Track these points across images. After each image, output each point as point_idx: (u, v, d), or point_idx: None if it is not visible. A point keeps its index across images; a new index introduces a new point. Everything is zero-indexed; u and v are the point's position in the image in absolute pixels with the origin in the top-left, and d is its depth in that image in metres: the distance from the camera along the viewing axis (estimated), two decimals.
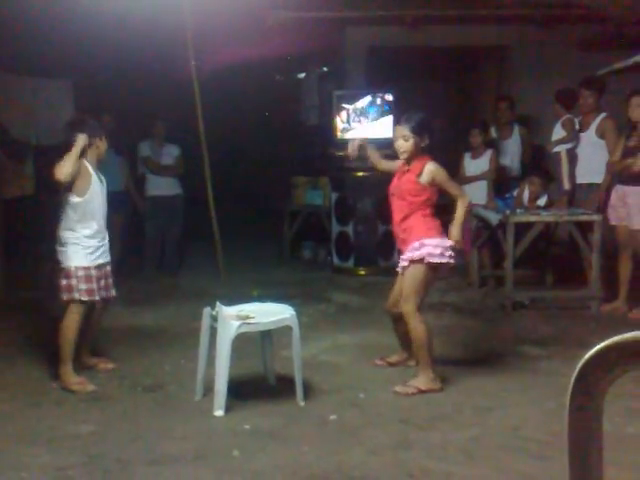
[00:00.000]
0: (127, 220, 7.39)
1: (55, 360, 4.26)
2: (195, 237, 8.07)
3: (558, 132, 6.48)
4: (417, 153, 4.13)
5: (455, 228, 4.11)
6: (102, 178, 4.37)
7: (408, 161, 4.18)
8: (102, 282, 4.29)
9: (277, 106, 10.40)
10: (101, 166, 4.46)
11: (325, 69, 9.83)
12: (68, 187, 4.13)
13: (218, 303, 3.90)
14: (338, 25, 8.30)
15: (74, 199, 4.16)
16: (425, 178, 4.11)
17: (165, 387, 4.20)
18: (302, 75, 10.36)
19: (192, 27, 6.69)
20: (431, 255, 4.02)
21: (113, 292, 4.43)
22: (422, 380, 4.05)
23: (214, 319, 3.87)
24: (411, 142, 4.10)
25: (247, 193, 10.41)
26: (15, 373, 4.43)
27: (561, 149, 6.41)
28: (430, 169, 4.10)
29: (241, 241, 8.82)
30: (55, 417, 3.76)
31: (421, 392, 4.01)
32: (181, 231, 7.64)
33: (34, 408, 3.89)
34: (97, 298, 4.23)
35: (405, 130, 4.12)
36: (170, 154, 7.49)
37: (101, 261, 4.29)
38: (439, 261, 4.05)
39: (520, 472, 3.09)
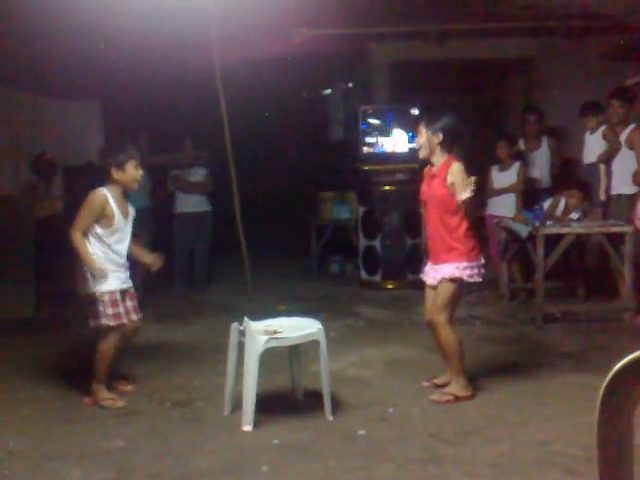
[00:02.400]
0: (151, 237, 7.47)
1: (86, 376, 4.31)
2: (223, 253, 8.12)
3: (593, 144, 6.40)
4: (434, 149, 4.04)
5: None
6: (130, 209, 4.31)
7: (429, 160, 4.11)
8: (128, 304, 4.28)
9: (303, 122, 10.46)
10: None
11: (350, 85, 9.88)
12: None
13: (246, 318, 3.92)
14: (363, 41, 8.35)
15: (97, 230, 4.12)
16: (450, 179, 3.99)
17: (194, 402, 4.22)
18: (328, 91, 10.43)
19: (218, 44, 6.78)
20: (470, 277, 4.02)
21: (139, 314, 4.37)
22: (456, 387, 4.09)
23: (242, 334, 3.88)
24: (424, 137, 4.05)
25: (274, 208, 10.47)
26: (46, 389, 4.49)
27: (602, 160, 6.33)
28: (453, 169, 3.97)
29: (269, 256, 8.87)
30: (86, 433, 3.80)
31: (457, 399, 4.04)
32: (209, 247, 7.71)
33: (66, 424, 3.94)
34: (125, 321, 4.20)
35: (420, 125, 4.10)
36: (198, 172, 7.59)
37: (125, 286, 4.26)
38: (473, 280, 4.04)
39: None
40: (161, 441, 3.65)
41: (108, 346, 4.18)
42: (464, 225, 4.01)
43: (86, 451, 3.53)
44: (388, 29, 7.99)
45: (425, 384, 4.38)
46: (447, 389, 4.11)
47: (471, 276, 4.01)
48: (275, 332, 3.83)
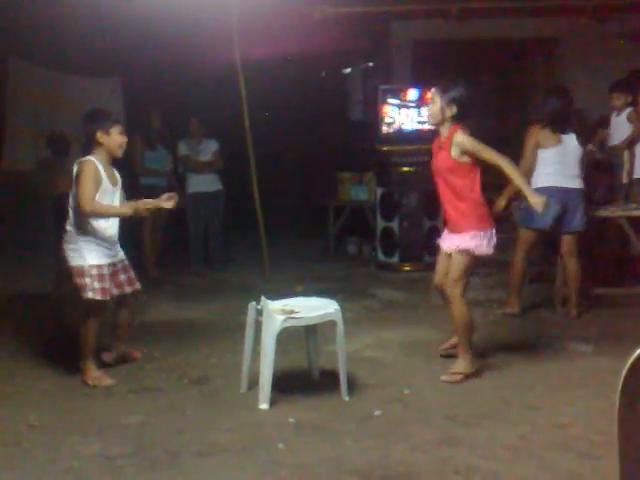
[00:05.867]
0: (170, 214, 7.51)
1: (103, 351, 4.38)
2: (241, 233, 8.13)
3: (618, 126, 6.30)
4: (444, 120, 4.02)
5: (527, 192, 4.01)
6: (117, 177, 4.28)
7: (438, 130, 4.11)
8: (120, 278, 4.29)
9: (322, 101, 10.39)
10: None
11: (370, 64, 9.79)
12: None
13: (263, 298, 3.93)
14: (384, 19, 8.26)
15: None
16: (455, 152, 3.99)
17: (211, 380, 4.25)
18: (348, 70, 10.35)
19: (238, 23, 6.73)
20: (478, 247, 4.02)
21: (136, 286, 4.39)
22: (463, 364, 4.10)
23: (259, 313, 3.89)
24: (437, 106, 4.02)
25: (292, 189, 10.45)
26: (66, 365, 4.53)
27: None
28: (457, 141, 3.96)
29: (286, 237, 8.87)
30: (105, 408, 3.85)
31: (467, 377, 4.07)
32: (223, 226, 7.70)
33: (84, 399, 3.99)
34: (108, 297, 4.20)
35: (433, 93, 4.08)
36: (208, 150, 7.53)
37: (112, 260, 4.24)
38: (485, 253, 4.06)
39: (569, 471, 3.02)
40: (179, 417, 3.69)
41: (91, 322, 4.18)
42: (474, 194, 4.04)
43: (105, 426, 3.57)
44: (410, 7, 7.88)
45: (441, 349, 4.54)
46: (455, 368, 4.11)
47: (478, 246, 4.01)
48: (292, 312, 3.84)
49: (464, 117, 4.04)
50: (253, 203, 7.11)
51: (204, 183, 7.50)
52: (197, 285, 6.99)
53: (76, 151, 7.41)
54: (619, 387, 1.43)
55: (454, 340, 4.36)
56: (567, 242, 5.45)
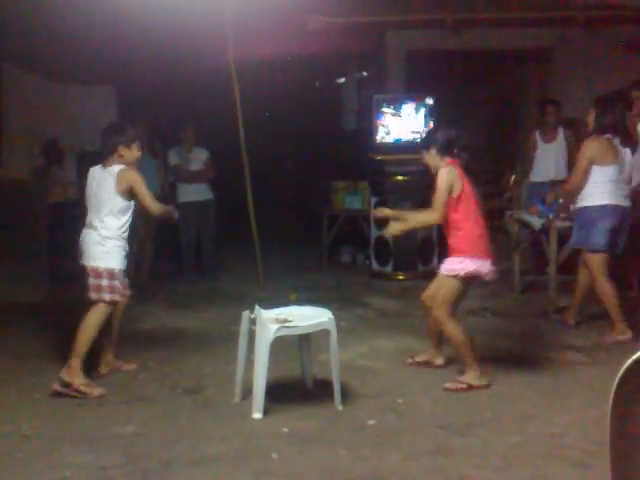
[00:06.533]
0: (160, 223, 7.51)
1: (93, 359, 4.35)
2: (235, 241, 8.13)
3: None
4: (435, 163, 4.20)
5: (401, 224, 4.26)
6: None
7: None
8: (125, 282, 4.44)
9: (317, 110, 10.41)
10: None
11: (365, 74, 9.83)
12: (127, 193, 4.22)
13: (257, 306, 3.92)
14: (378, 29, 8.29)
15: (127, 203, 4.23)
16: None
17: (205, 389, 4.24)
18: (342, 80, 10.38)
19: (233, 31, 6.76)
20: (464, 270, 4.05)
21: (127, 291, 4.49)
22: (470, 376, 4.12)
23: (253, 322, 3.89)
24: (424, 158, 4.28)
25: (286, 197, 10.46)
26: (57, 374, 4.50)
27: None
28: (439, 174, 4.13)
29: (280, 245, 8.87)
30: (97, 417, 3.83)
31: (471, 388, 4.07)
32: (214, 234, 7.69)
33: (77, 409, 3.97)
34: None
35: (422, 153, 4.33)
36: (199, 159, 7.53)
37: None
38: (466, 274, 4.06)
39: None
40: (172, 427, 3.67)
41: (99, 322, 4.22)
42: (469, 223, 4.10)
43: (97, 436, 3.56)
44: (404, 17, 7.91)
45: (408, 361, 4.60)
46: (462, 378, 4.13)
47: (464, 270, 4.03)
48: (286, 321, 3.84)
49: (446, 151, 4.18)
50: (247, 211, 7.12)
51: (194, 192, 7.50)
52: (190, 293, 6.97)
53: (70, 159, 7.46)
54: (611, 396, 1.43)
55: (423, 356, 4.56)
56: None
